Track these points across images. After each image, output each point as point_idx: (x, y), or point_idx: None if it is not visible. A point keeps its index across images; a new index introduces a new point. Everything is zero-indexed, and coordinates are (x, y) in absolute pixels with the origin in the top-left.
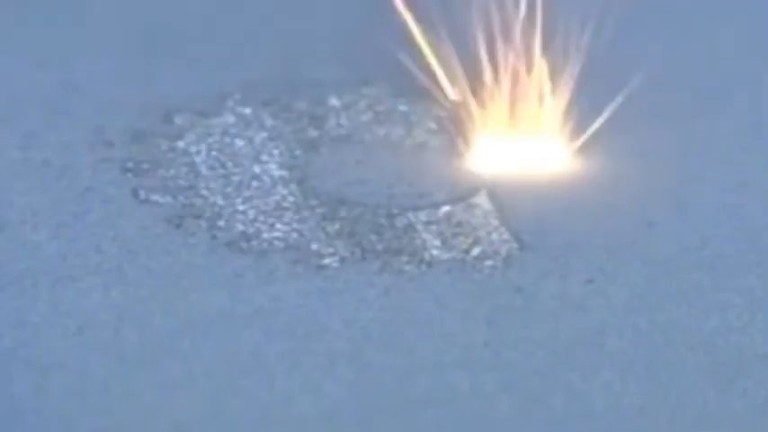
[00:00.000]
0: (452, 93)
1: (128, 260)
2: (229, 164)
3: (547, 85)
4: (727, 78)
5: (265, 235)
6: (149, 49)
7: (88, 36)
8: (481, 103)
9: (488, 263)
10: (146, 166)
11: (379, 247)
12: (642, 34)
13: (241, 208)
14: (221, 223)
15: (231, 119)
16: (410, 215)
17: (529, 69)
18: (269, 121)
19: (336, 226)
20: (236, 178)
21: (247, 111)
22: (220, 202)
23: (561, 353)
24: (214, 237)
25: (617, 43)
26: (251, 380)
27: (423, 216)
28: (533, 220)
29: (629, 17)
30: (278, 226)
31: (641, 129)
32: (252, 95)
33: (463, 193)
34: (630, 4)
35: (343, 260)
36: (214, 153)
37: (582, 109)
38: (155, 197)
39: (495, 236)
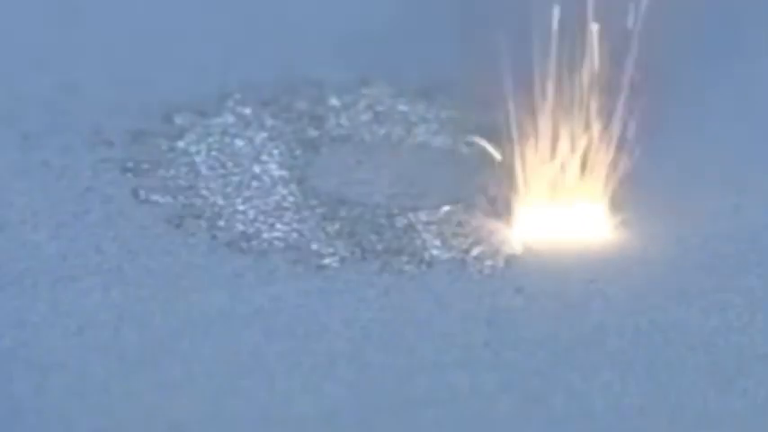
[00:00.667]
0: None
1: (128, 260)
2: (229, 164)
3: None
4: (727, 79)
5: (265, 235)
6: (149, 49)
7: (88, 36)
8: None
9: (488, 263)
10: (146, 166)
11: (379, 247)
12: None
13: (241, 208)
14: (221, 223)
15: (231, 119)
16: (410, 215)
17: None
18: (269, 121)
19: (336, 226)
20: (236, 178)
21: (247, 111)
22: (220, 202)
23: (561, 353)
24: (214, 237)
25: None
26: (251, 380)
27: (423, 216)
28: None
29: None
30: (278, 226)
31: (639, 128)
32: (252, 95)
33: (463, 194)
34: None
35: (343, 260)
36: (214, 153)
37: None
38: (155, 197)
39: (495, 236)
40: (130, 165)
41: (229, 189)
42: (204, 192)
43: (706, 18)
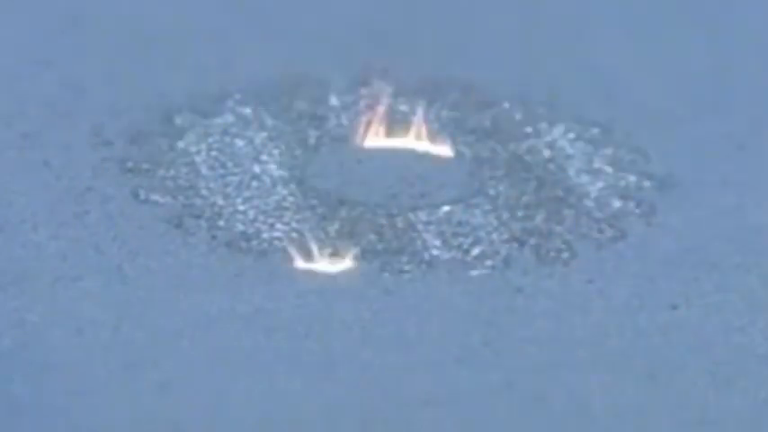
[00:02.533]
0: None
1: (128, 260)
2: (229, 164)
3: None
4: (726, 78)
5: (265, 235)
6: (149, 49)
7: (88, 36)
8: None
9: (488, 263)
10: (146, 166)
11: (379, 247)
12: (647, 37)
13: (241, 208)
14: (221, 223)
15: (231, 119)
16: (410, 215)
17: None
18: (269, 121)
19: (336, 226)
20: (236, 178)
21: (247, 111)
22: (220, 202)
23: (561, 353)
24: (214, 237)
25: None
26: (251, 380)
27: (423, 216)
28: (534, 219)
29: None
30: (278, 226)
31: (640, 129)
32: (252, 95)
33: (463, 193)
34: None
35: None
36: (214, 153)
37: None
38: (155, 197)
39: (495, 236)
40: (130, 165)
41: (229, 189)
42: (204, 192)
43: None
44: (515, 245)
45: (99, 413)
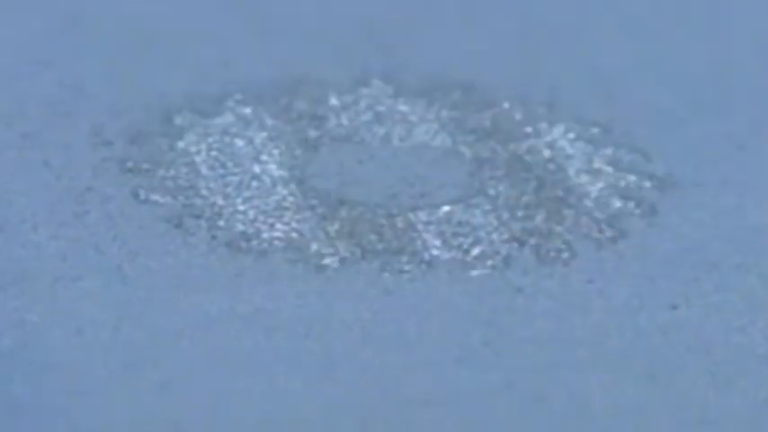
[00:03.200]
0: None
1: (128, 260)
2: (229, 164)
3: None
4: (726, 78)
5: (265, 235)
6: (149, 49)
7: (88, 36)
8: None
9: (488, 263)
10: (146, 166)
11: (379, 247)
12: (649, 37)
13: (241, 208)
14: (221, 223)
15: (231, 119)
16: (410, 215)
17: None
18: (269, 121)
19: (336, 226)
20: (236, 178)
21: (247, 111)
22: (220, 202)
23: (561, 353)
24: (214, 237)
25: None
26: (251, 380)
27: (423, 216)
28: (534, 219)
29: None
30: (278, 226)
31: (640, 129)
32: (252, 95)
33: (463, 193)
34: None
35: (343, 260)
36: (214, 153)
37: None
38: (155, 197)
39: (495, 236)
40: (130, 165)
41: (229, 189)
42: (204, 192)
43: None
44: (515, 245)
45: (99, 413)
